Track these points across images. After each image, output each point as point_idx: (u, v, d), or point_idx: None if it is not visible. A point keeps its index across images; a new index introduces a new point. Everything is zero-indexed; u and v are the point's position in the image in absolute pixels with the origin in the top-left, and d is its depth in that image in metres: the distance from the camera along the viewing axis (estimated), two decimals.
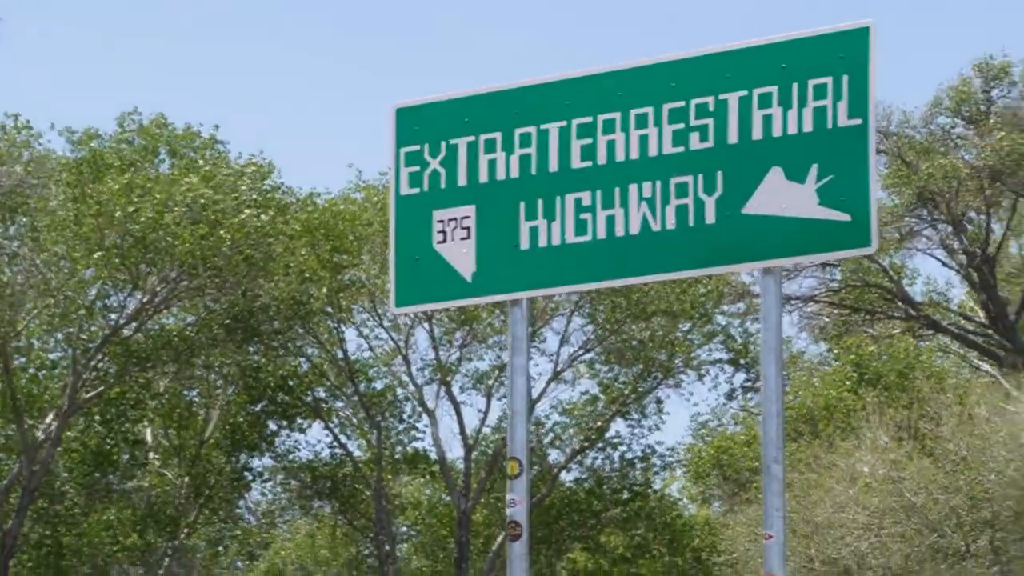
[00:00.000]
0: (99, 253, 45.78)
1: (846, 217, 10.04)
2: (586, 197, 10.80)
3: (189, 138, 50.96)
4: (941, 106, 46.54)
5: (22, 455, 47.04)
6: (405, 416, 52.68)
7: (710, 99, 10.44)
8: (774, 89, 10.25)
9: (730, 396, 53.65)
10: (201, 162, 50.28)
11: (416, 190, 11.73)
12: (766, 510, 10.14)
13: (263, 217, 47.15)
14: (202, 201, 46.39)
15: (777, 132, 10.15)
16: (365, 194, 47.34)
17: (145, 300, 47.11)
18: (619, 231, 10.77)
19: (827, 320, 50.70)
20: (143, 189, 46.15)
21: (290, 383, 51.88)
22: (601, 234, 10.88)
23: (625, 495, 52.73)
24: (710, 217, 10.49)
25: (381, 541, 50.38)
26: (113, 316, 48.89)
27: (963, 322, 49.11)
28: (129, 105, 56.76)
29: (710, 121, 10.41)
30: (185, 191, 46.46)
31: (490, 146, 11.21)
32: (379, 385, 51.63)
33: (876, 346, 48.18)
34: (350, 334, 50.83)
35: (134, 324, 47.67)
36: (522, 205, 11.16)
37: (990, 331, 47.76)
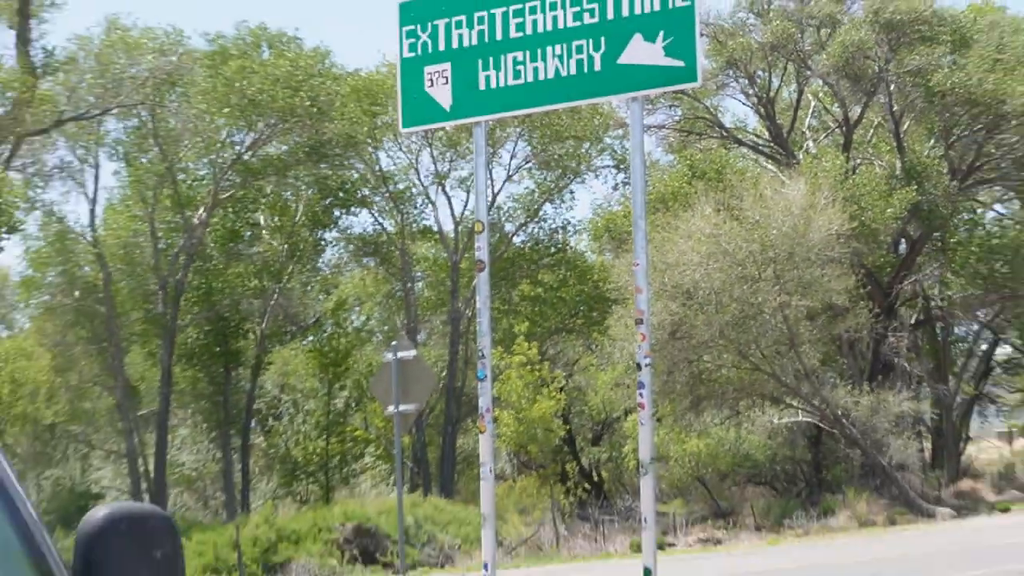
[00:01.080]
0: (227, 109, 46.24)
1: (681, 63, 10.71)
2: (519, 55, 11.24)
3: (279, 36, 51.22)
4: (740, 6, 47.14)
5: (184, 232, 47.77)
6: (417, 205, 52.62)
7: None
8: None
9: (615, 188, 54.00)
10: (287, 52, 50.55)
11: (413, 54, 12.04)
12: (635, 249, 10.92)
13: (325, 84, 48.42)
14: (287, 75, 46.99)
15: (638, 11, 10.79)
16: (388, 68, 47.72)
17: (256, 137, 47.55)
18: (541, 76, 11.24)
19: (672, 140, 51.91)
20: (252, 69, 46.48)
21: (346, 186, 51.89)
22: (530, 79, 11.32)
23: (552, 250, 53.08)
24: (597, 66, 11.03)
25: (405, 281, 50.81)
26: (237, 147, 48.78)
27: (755, 139, 50.40)
28: (241, 17, 56.53)
29: (596, 5, 10.83)
30: (277, 69, 47.71)
31: (458, 24, 11.61)
32: (401, 186, 52.13)
33: (702, 155, 48.77)
34: (382, 156, 51.57)
35: (250, 152, 48.04)
36: (479, 62, 11.58)
37: (772, 144, 48.91)
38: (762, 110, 48.71)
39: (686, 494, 39.87)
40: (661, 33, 10.55)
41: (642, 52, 10.63)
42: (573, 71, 11.00)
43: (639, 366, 11.02)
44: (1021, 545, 27.30)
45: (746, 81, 48.19)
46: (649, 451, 10.95)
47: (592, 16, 10.89)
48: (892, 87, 45.30)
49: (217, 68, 48.14)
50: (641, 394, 10.89)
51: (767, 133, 48.48)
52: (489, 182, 51.00)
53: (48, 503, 42.71)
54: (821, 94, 48.60)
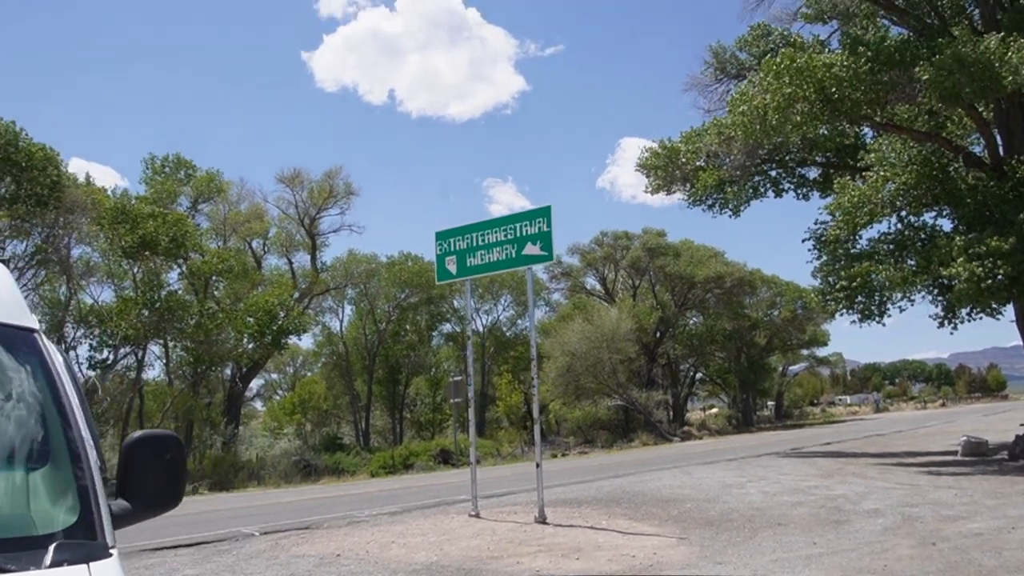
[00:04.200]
0: (392, 288, 43.57)
1: (546, 254, 10.63)
2: (484, 252, 11.23)
3: (412, 256, 47.48)
4: (593, 241, 46.01)
5: (377, 336, 44.88)
6: (461, 319, 49.81)
7: (517, 224, 10.83)
8: (529, 220, 10.79)
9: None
10: (418, 261, 46.54)
11: (442, 251, 11.76)
12: (531, 340, 10.87)
13: (426, 275, 43.37)
14: (419, 272, 44.03)
15: (529, 232, 10.63)
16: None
17: (407, 297, 44.81)
18: (492, 260, 11.17)
19: (567, 293, 50.16)
20: (409, 273, 43.90)
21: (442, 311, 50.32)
22: (488, 260, 11.26)
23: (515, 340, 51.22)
24: (514, 255, 10.96)
25: (464, 350, 48.30)
26: (399, 301, 45.84)
27: (598, 288, 48.66)
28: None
29: (514, 232, 10.84)
30: (415, 271, 44.47)
31: (458, 242, 11.51)
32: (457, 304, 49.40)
33: (578, 298, 47.79)
34: (458, 303, 48.94)
35: (405, 302, 45.40)
36: (467, 256, 11.37)
37: (606, 294, 47.60)
38: (600, 281, 48.45)
39: (575, 434, 39.04)
40: (539, 242, 10.61)
41: (530, 249, 10.74)
42: (504, 257, 11.13)
43: (534, 386, 10.88)
44: (703, 446, 27.70)
45: (594, 269, 47.89)
46: (536, 414, 10.81)
47: (507, 235, 10.93)
48: (651, 272, 45.20)
49: (394, 271, 42.44)
50: (534, 390, 10.79)
51: (603, 290, 47.97)
52: (475, 311, 49.58)
53: (316, 441, 40.66)
54: (624, 274, 47.58)
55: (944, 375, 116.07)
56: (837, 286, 17.96)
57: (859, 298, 18.04)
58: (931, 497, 11.47)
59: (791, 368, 65.80)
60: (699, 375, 55.53)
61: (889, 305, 17.90)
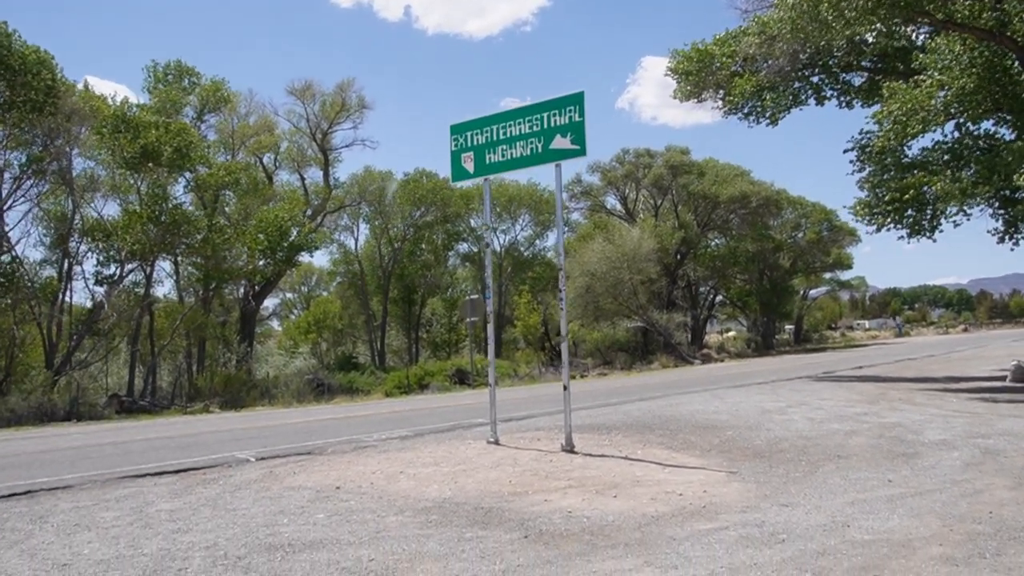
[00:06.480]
0: (409, 206, 41.96)
1: (578, 147, 9.11)
2: (504, 147, 9.82)
3: (425, 174, 45.92)
4: (614, 159, 44.22)
5: (391, 256, 43.35)
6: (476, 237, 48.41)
7: (544, 114, 9.36)
8: (559, 110, 9.30)
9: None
10: (433, 178, 44.93)
11: (457, 147, 10.26)
12: (559, 249, 9.55)
13: (444, 192, 42.85)
14: (435, 188, 42.56)
15: (558, 123, 9.14)
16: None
17: (423, 213, 43.62)
18: (514, 156, 9.74)
19: (586, 214, 48.55)
20: (425, 190, 42.43)
21: (459, 231, 48.88)
22: (509, 157, 9.84)
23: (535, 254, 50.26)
24: (540, 150, 9.51)
25: (481, 271, 47.74)
26: (415, 218, 44.83)
27: (619, 208, 46.82)
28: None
29: (541, 122, 9.47)
30: (432, 187, 42.82)
31: (476, 136, 10.10)
32: (474, 222, 47.95)
33: (598, 218, 46.10)
34: (475, 221, 47.40)
35: (420, 218, 44.22)
36: (485, 152, 9.95)
37: (627, 214, 45.98)
38: (621, 200, 46.73)
39: (593, 355, 38.08)
40: (570, 134, 9.05)
41: (560, 142, 9.16)
42: (528, 152, 9.51)
43: (561, 298, 9.49)
44: (726, 369, 26.57)
45: (615, 188, 46.14)
46: (564, 331, 9.52)
47: (534, 126, 9.39)
48: (673, 191, 43.43)
49: (409, 188, 41.52)
50: (561, 303, 9.45)
51: (624, 210, 46.25)
52: (493, 219, 48.09)
53: (332, 361, 40.35)
54: (646, 193, 45.77)
55: (964, 301, 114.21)
56: (886, 198, 16.41)
57: (909, 211, 16.51)
58: (999, 427, 10.22)
59: (812, 292, 64.30)
60: (719, 297, 54.29)
61: (942, 219, 16.38)
